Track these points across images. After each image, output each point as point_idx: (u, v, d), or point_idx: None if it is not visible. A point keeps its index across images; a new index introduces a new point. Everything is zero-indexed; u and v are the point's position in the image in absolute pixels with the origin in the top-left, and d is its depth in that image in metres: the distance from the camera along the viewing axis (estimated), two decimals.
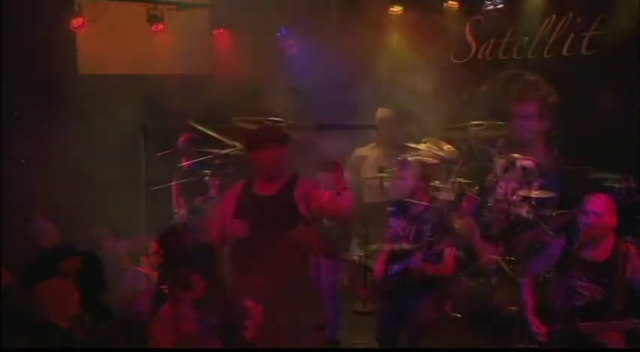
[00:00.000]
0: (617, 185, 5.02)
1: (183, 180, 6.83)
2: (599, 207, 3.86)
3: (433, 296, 4.89)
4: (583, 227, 3.89)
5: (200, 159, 6.76)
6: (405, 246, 4.80)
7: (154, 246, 4.72)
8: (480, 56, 8.06)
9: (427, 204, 4.92)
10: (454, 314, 5.99)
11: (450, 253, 4.65)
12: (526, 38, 7.56)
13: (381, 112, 7.46)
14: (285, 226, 4.18)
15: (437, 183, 6.79)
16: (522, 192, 6.75)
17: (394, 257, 4.83)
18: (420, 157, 6.08)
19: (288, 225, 4.17)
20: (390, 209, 5.09)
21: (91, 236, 5.57)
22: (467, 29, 8.10)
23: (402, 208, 4.96)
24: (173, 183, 6.95)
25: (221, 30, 8.70)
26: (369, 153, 7.44)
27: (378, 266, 4.91)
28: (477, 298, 6.32)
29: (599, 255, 3.90)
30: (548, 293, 4.18)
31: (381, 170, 6.84)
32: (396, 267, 4.76)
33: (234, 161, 6.91)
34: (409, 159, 6.53)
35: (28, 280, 4.58)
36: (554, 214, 6.67)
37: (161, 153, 6.87)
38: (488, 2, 7.65)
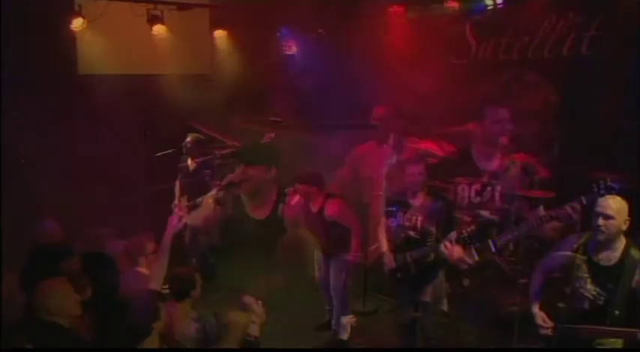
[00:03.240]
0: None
1: (185, 180, 6.83)
2: (609, 210, 3.80)
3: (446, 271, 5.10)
4: (593, 229, 3.83)
5: (202, 159, 6.77)
6: (413, 234, 4.86)
7: (153, 246, 4.72)
8: (480, 56, 8.06)
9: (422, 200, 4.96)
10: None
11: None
12: (526, 38, 7.56)
13: (382, 110, 7.42)
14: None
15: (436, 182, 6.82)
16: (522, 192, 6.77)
17: (404, 246, 4.91)
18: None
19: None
20: (389, 209, 5.10)
21: (94, 236, 5.57)
22: (467, 29, 8.10)
23: (403, 202, 4.99)
24: (174, 184, 6.96)
25: (221, 30, 8.70)
26: (368, 151, 7.41)
27: (388, 257, 4.97)
28: (474, 297, 6.33)
29: (608, 260, 3.84)
30: (555, 292, 4.15)
31: None
32: (414, 253, 4.84)
33: (235, 161, 6.93)
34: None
35: (28, 280, 4.58)
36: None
37: (160, 154, 6.88)
38: (488, 2, 7.64)
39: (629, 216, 3.77)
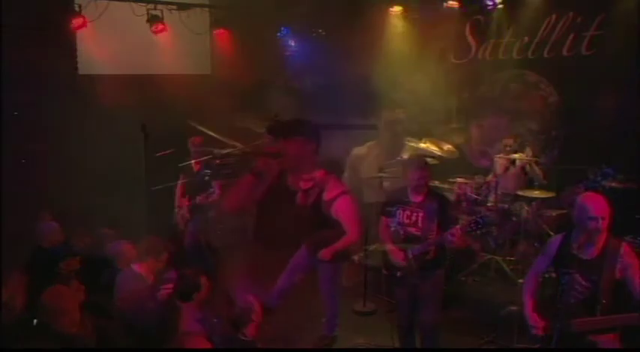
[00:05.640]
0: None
1: (187, 180, 6.85)
2: (602, 212, 3.86)
3: (445, 270, 5.09)
4: (590, 230, 3.88)
5: (204, 159, 6.78)
6: (414, 231, 4.88)
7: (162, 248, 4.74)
8: (480, 56, 8.07)
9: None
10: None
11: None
12: (526, 38, 7.57)
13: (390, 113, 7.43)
14: None
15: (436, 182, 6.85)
16: (521, 192, 6.80)
17: (406, 242, 4.92)
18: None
19: None
20: (388, 209, 5.10)
21: (95, 236, 5.59)
22: (467, 29, 8.11)
23: (403, 199, 5.00)
24: (176, 183, 6.97)
25: (221, 30, 8.71)
26: (366, 152, 7.42)
27: (392, 254, 4.97)
28: (475, 297, 6.35)
29: (590, 253, 3.92)
30: (547, 291, 4.19)
31: (380, 169, 6.84)
32: (415, 249, 4.85)
33: (234, 161, 6.92)
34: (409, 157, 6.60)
35: (29, 280, 4.59)
36: (554, 214, 6.72)
37: (160, 154, 6.89)
38: (488, 2, 7.65)
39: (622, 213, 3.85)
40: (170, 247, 4.98)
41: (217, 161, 6.81)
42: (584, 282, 3.90)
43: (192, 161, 6.80)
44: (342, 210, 5.25)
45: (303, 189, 5.39)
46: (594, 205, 3.89)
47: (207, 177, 6.72)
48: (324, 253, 5.37)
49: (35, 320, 3.86)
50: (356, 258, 6.87)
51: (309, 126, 5.01)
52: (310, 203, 5.53)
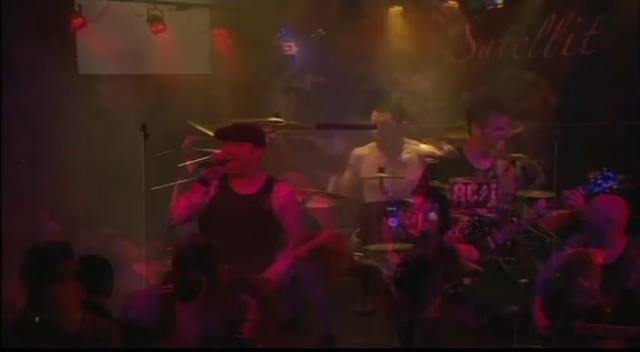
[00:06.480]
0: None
1: (185, 181, 6.83)
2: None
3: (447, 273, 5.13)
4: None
5: (201, 159, 6.76)
6: (414, 232, 4.88)
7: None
8: (480, 56, 8.06)
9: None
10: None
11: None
12: (526, 38, 7.56)
13: (378, 113, 7.42)
14: None
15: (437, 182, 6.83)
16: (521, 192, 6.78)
17: (406, 243, 4.93)
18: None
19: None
20: (389, 209, 5.11)
21: (99, 237, 5.59)
22: (467, 29, 8.10)
23: (404, 201, 5.02)
24: (174, 184, 6.96)
25: (221, 30, 8.71)
26: (368, 152, 7.41)
27: (389, 255, 4.98)
28: (475, 297, 6.33)
29: (606, 258, 3.89)
30: (555, 291, 4.17)
31: (380, 170, 6.83)
32: (414, 250, 4.87)
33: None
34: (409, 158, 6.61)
35: (27, 281, 4.58)
36: (554, 214, 6.70)
37: (160, 154, 6.88)
38: (488, 2, 7.64)
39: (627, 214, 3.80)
40: (174, 251, 4.98)
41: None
42: (595, 286, 3.88)
43: (188, 161, 6.79)
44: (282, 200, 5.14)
45: (251, 194, 5.33)
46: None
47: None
48: (299, 251, 5.37)
49: (37, 318, 3.86)
50: (356, 258, 6.87)
51: (257, 131, 5.06)
52: (266, 207, 5.48)
